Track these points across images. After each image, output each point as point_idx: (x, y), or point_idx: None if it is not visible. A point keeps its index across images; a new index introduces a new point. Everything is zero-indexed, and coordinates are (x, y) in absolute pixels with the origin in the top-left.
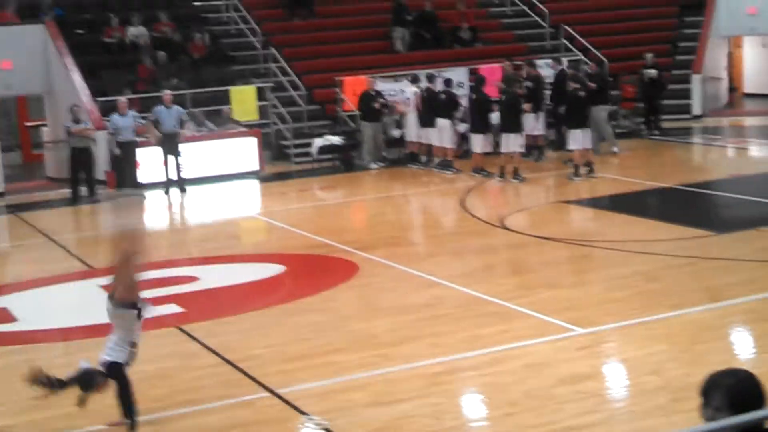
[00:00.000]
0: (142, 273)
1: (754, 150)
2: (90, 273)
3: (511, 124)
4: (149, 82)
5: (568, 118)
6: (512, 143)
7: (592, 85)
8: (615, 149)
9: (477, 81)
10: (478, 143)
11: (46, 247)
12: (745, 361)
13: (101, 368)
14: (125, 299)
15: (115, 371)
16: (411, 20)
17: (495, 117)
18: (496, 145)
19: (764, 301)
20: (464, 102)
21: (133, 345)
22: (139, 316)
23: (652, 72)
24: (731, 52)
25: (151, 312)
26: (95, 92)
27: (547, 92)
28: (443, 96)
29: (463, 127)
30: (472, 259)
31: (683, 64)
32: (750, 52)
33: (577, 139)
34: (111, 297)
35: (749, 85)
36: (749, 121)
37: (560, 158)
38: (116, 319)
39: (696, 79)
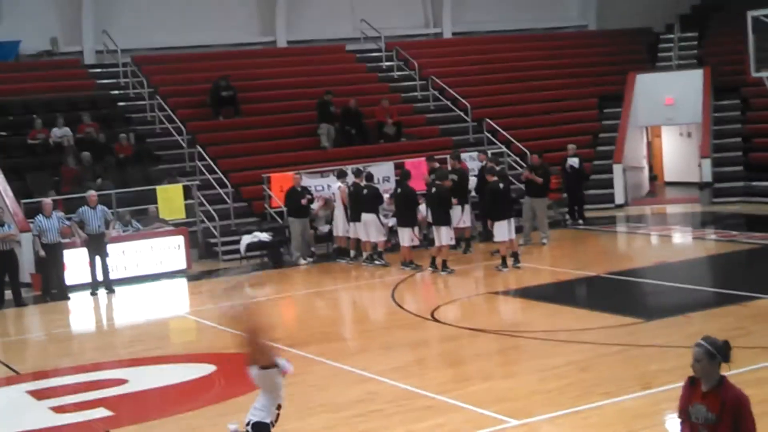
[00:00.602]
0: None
1: (677, 237)
2: (16, 379)
3: (441, 217)
4: (74, 183)
5: (491, 211)
6: (443, 236)
7: (538, 179)
8: (545, 240)
9: (402, 175)
10: (406, 237)
11: None
12: None
13: (249, 429)
14: (267, 365)
15: (262, 430)
16: (336, 116)
17: (422, 210)
18: (424, 237)
19: None
20: (390, 196)
21: (279, 407)
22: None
23: (574, 161)
24: (650, 142)
25: (290, 368)
26: (19, 194)
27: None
28: (366, 191)
29: (391, 221)
30: (404, 353)
31: (604, 154)
32: (668, 141)
33: (503, 231)
34: (253, 366)
35: (669, 174)
36: (671, 209)
37: (487, 249)
38: (263, 382)
39: (617, 168)
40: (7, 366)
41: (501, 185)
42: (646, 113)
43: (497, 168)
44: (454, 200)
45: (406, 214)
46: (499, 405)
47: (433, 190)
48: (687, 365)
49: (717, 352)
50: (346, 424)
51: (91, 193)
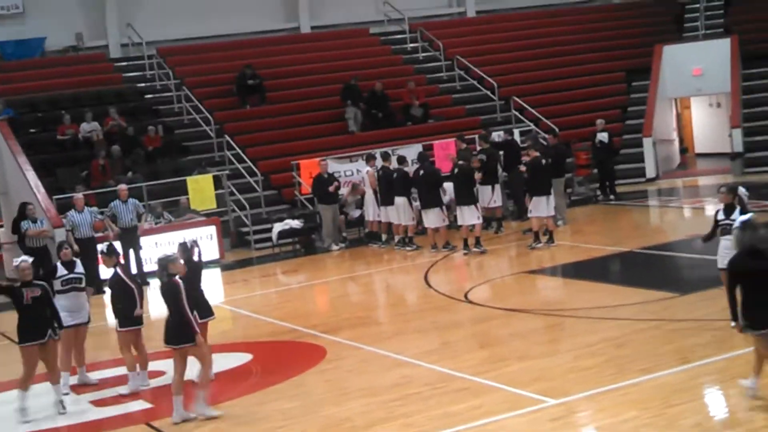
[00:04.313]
0: None
1: (710, 209)
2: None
3: (465, 196)
4: (104, 177)
5: (531, 186)
6: (467, 216)
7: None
8: (560, 223)
9: (420, 156)
10: (431, 218)
11: (8, 349)
12: (719, 421)
13: None
14: None
15: None
16: (363, 100)
17: (450, 191)
18: (455, 219)
19: (733, 359)
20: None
21: None
22: None
23: (603, 135)
24: (680, 113)
25: None
26: (51, 190)
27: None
28: (396, 174)
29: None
30: (438, 335)
31: (634, 128)
32: (698, 112)
33: (540, 207)
34: None
35: (700, 145)
36: (702, 181)
37: (519, 228)
38: None
39: (647, 142)
40: None
41: (543, 161)
42: (675, 85)
43: (541, 143)
44: (478, 175)
45: (430, 195)
46: (536, 385)
47: (456, 170)
48: (724, 339)
49: None
50: (384, 408)
51: (122, 187)
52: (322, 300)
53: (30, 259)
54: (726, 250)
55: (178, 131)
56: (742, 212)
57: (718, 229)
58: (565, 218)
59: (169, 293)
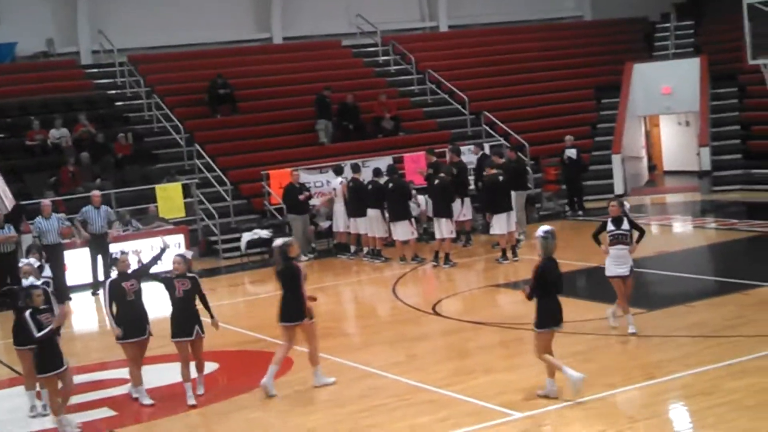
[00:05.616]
0: None
1: (677, 226)
2: (19, 380)
3: (443, 209)
4: (73, 184)
5: (489, 204)
6: (444, 228)
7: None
8: (521, 237)
9: (389, 169)
10: (400, 230)
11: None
12: None
13: None
14: None
15: None
16: (334, 112)
17: (422, 203)
18: (424, 231)
19: (698, 375)
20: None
21: None
22: None
23: (572, 152)
24: (649, 131)
25: None
26: (19, 196)
27: (471, 177)
28: (370, 186)
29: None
30: (406, 347)
31: (603, 145)
32: (667, 130)
33: (501, 223)
34: None
35: (668, 163)
36: (670, 198)
37: (488, 242)
38: None
39: (616, 158)
40: (9, 368)
41: (500, 178)
42: (644, 103)
43: (501, 160)
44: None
45: (399, 207)
46: (502, 398)
47: (436, 182)
48: (690, 354)
49: None
50: (351, 420)
51: (95, 193)
52: None
53: (35, 262)
54: (616, 258)
55: (148, 139)
56: (629, 223)
57: (608, 238)
58: (525, 232)
59: (289, 274)
